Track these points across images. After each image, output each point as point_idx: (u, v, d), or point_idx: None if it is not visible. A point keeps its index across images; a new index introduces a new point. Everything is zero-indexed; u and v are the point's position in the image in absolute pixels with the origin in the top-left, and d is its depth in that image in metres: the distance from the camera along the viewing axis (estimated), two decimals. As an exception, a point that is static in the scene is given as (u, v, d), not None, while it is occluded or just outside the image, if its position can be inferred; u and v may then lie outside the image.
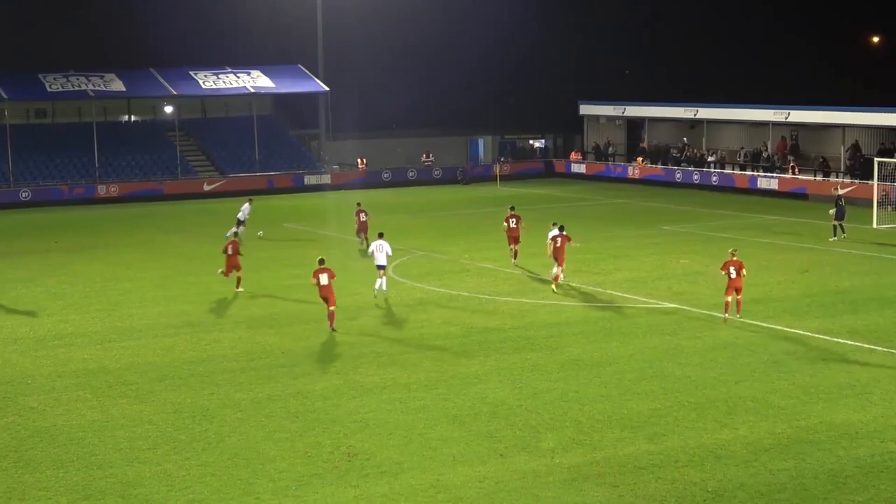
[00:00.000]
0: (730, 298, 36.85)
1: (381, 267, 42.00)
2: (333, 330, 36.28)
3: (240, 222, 56.35)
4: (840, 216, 53.60)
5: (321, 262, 36.88)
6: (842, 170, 74.01)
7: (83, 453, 25.16)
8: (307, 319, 38.38)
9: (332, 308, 36.57)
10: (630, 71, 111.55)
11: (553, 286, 42.71)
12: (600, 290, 42.85)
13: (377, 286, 41.95)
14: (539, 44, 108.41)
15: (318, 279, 36.37)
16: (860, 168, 72.57)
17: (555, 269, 43.17)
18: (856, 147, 75.24)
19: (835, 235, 53.26)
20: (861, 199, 64.32)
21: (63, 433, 26.65)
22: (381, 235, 43.26)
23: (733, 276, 36.66)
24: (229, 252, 43.35)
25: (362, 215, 54.12)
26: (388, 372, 31.48)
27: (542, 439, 25.42)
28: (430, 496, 22.29)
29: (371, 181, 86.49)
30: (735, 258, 37.06)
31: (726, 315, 36.83)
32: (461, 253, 51.24)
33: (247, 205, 57.70)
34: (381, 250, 42.11)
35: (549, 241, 43.71)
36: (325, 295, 36.41)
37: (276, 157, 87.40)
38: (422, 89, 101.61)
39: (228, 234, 49.46)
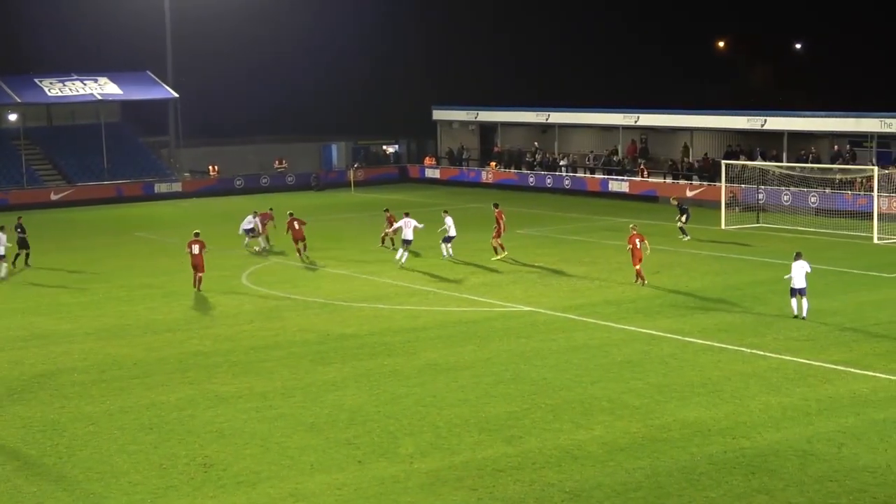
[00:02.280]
0: (638, 267, 42.06)
1: (407, 241, 49.01)
2: (199, 290, 42.95)
3: (248, 231, 55.30)
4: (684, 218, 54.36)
5: (196, 234, 43.45)
6: (680, 171, 75.28)
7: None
8: (159, 329, 37.81)
9: (199, 274, 43.47)
10: (483, 76, 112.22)
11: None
12: (456, 294, 42.96)
13: (399, 256, 48.95)
14: (392, 49, 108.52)
15: (191, 249, 43.15)
16: (692, 170, 74.17)
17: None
18: (685, 150, 76.86)
19: (685, 235, 54.14)
20: (709, 201, 65.59)
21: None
22: (407, 214, 50.26)
23: (638, 246, 42.38)
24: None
25: (295, 223, 52.22)
26: (243, 381, 31.13)
27: (400, 445, 25.35)
28: (288, 505, 22.10)
29: (223, 188, 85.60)
30: (636, 231, 42.02)
31: (642, 281, 42.55)
32: (316, 259, 50.89)
33: (249, 216, 55.98)
34: (408, 226, 49.00)
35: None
36: (196, 263, 43.13)
37: (126, 165, 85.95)
38: (274, 94, 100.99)
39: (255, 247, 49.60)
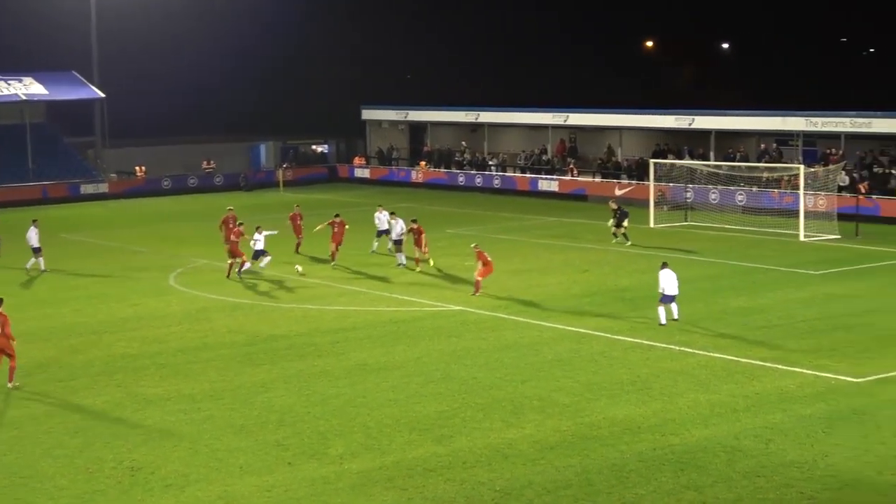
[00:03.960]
0: (481, 279, 41.49)
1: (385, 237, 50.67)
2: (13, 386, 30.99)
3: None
4: (620, 221, 54.22)
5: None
6: (609, 170, 75.69)
7: None
8: (84, 332, 37.40)
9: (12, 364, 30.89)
10: (412, 76, 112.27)
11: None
12: (386, 294, 42.87)
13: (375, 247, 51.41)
14: (320, 49, 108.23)
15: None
16: (620, 169, 74.67)
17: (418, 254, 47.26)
18: (609, 151, 77.36)
19: (616, 238, 54.02)
20: (638, 199, 65.94)
21: None
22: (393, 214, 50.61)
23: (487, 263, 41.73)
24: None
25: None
26: (171, 383, 30.87)
27: (330, 446, 25.26)
28: (217, 508, 21.93)
29: (150, 189, 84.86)
30: (478, 250, 42.16)
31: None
32: (245, 260, 50.49)
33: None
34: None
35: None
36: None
37: (51, 166, 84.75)
38: (201, 95, 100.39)
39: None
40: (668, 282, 35.94)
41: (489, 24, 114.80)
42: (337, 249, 49.36)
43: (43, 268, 48.86)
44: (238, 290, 44.28)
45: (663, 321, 35.89)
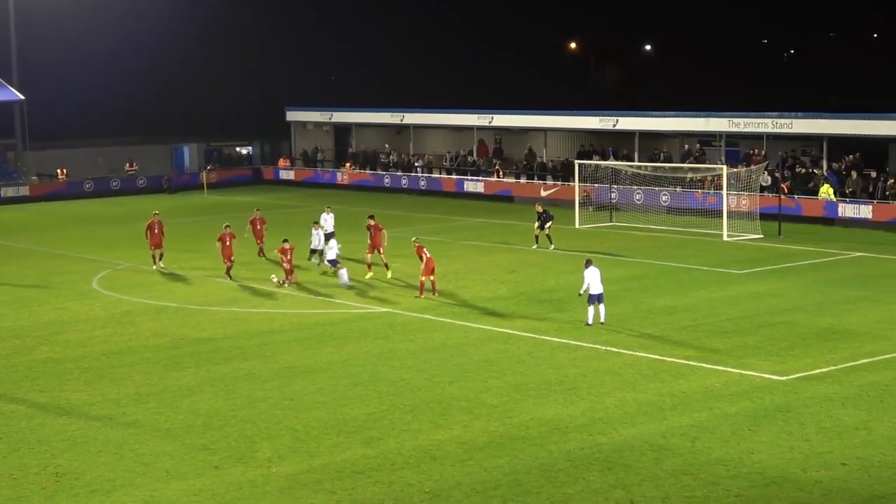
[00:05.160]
0: (424, 279, 41.36)
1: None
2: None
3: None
4: (543, 224, 54.10)
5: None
6: (534, 171, 75.98)
7: None
8: (6, 336, 36.90)
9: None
10: (336, 77, 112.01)
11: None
12: (312, 296, 42.70)
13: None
14: (243, 50, 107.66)
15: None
16: (545, 170, 75.02)
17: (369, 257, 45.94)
18: (531, 153, 77.70)
19: (537, 243, 53.79)
20: (563, 200, 66.24)
21: None
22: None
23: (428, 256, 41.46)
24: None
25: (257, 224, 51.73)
26: (95, 387, 30.55)
27: (257, 449, 25.12)
28: (143, 513, 21.72)
29: (72, 192, 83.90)
30: (418, 244, 41.90)
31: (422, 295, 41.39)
32: (170, 262, 50.08)
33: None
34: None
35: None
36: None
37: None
38: (123, 96, 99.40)
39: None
40: (594, 280, 36.02)
41: (415, 25, 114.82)
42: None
43: None
44: (162, 294, 43.89)
45: (591, 321, 35.99)
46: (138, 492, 22.74)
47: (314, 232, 50.11)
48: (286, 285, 44.15)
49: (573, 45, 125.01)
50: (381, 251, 45.74)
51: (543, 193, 69.96)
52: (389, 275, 45.39)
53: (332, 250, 45.36)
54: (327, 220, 51.39)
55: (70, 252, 55.88)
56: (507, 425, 26.30)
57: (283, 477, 23.35)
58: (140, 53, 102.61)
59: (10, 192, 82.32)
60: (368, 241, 46.18)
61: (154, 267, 48.93)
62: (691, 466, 23.35)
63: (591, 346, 33.71)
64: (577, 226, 60.14)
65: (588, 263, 36.47)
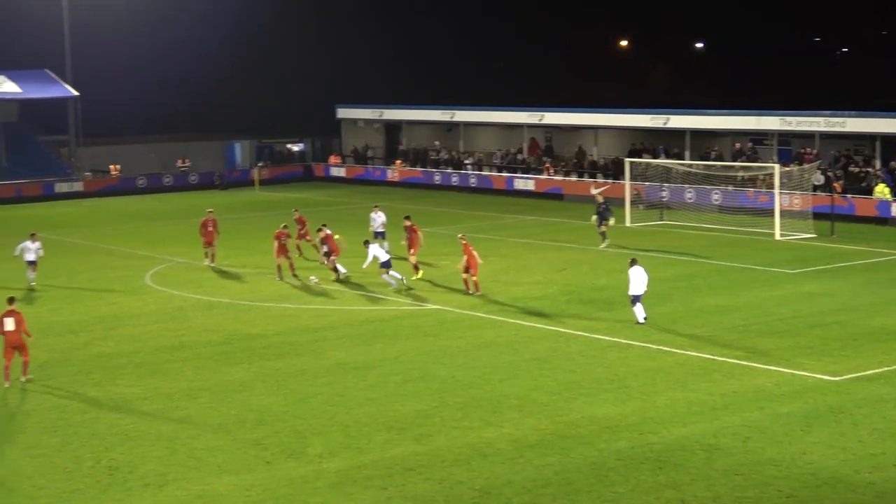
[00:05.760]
0: (466, 276, 41.27)
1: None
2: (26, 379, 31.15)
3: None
4: (602, 218, 53.88)
5: (10, 301, 31.73)
6: (585, 169, 75.85)
7: None
8: (62, 331, 37.22)
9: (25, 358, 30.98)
10: (387, 74, 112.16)
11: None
12: (363, 293, 42.82)
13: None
14: (296, 48, 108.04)
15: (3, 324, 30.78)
16: (596, 168, 74.86)
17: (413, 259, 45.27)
18: (581, 152, 77.56)
19: (605, 240, 53.58)
20: (613, 198, 65.99)
21: None
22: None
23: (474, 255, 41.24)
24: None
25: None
26: (148, 382, 30.80)
27: (309, 445, 25.24)
28: (196, 507, 21.89)
29: (125, 187, 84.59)
30: (465, 242, 41.61)
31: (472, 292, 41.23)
32: (221, 259, 50.35)
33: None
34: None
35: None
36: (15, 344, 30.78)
37: (25, 165, 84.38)
38: (176, 93, 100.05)
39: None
40: (638, 280, 35.89)
41: (466, 23, 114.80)
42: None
43: (32, 280, 45.62)
44: (215, 290, 44.16)
45: (640, 320, 35.92)
46: (190, 486, 22.92)
47: (373, 216, 50.69)
48: (327, 263, 44.62)
49: (624, 43, 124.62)
50: (413, 252, 45.52)
51: (593, 191, 69.66)
52: (416, 277, 44.95)
53: (381, 251, 44.15)
54: (376, 220, 51.42)
55: (123, 247, 56.35)
56: (557, 423, 26.28)
57: (333, 473, 23.45)
58: (193, 51, 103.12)
59: (63, 187, 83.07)
60: (404, 242, 46.38)
61: (205, 263, 49.16)
62: (743, 466, 23.26)
63: (642, 345, 33.63)
64: (627, 224, 59.93)
65: (633, 263, 36.33)
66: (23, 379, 30.72)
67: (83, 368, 32.40)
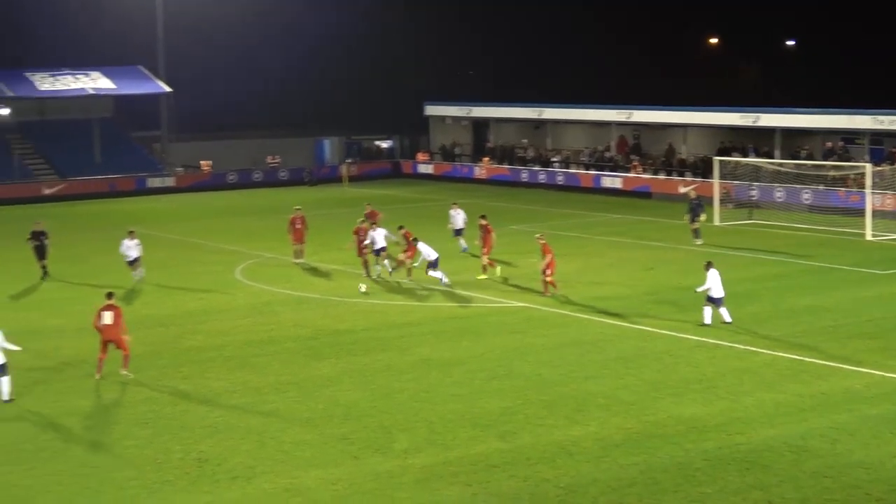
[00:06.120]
0: (549, 279, 40.77)
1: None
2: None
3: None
4: (695, 215, 53.50)
5: (109, 296, 31.81)
6: (673, 167, 75.39)
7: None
8: (152, 324, 37.72)
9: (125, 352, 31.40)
10: (475, 72, 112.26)
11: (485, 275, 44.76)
12: (449, 290, 42.92)
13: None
14: (384, 44, 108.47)
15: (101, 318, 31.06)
16: (685, 166, 74.34)
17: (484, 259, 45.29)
18: (671, 150, 77.03)
19: (698, 238, 53.23)
20: (702, 197, 65.49)
21: None
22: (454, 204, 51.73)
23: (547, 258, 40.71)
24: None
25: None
26: (237, 375, 31.14)
27: (395, 440, 25.37)
28: (283, 500, 22.11)
29: (216, 183, 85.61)
30: (543, 241, 41.14)
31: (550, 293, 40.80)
32: (310, 255, 50.74)
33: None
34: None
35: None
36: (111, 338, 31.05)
37: (118, 160, 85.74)
38: (266, 90, 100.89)
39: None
40: (717, 283, 35.58)
41: (554, 20, 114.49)
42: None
43: (139, 277, 45.63)
44: (303, 285, 44.52)
45: (708, 321, 35.55)
46: (278, 479, 23.13)
47: (452, 213, 50.80)
48: (404, 266, 44.56)
49: (714, 41, 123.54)
50: (486, 252, 45.31)
51: (682, 190, 69.38)
52: (482, 277, 44.81)
53: (429, 250, 43.61)
54: (455, 218, 51.48)
55: (213, 242, 57.02)
56: (643, 423, 26.20)
57: (418, 468, 23.55)
58: (284, 48, 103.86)
59: (155, 182, 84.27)
60: (478, 242, 46.22)
61: (294, 261, 49.44)
62: (831, 469, 23.04)
63: (729, 345, 33.40)
64: (716, 223, 59.50)
65: (709, 266, 36.01)
66: (122, 372, 31.15)
67: (173, 361, 32.85)
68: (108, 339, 30.96)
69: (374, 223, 46.55)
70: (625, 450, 24.38)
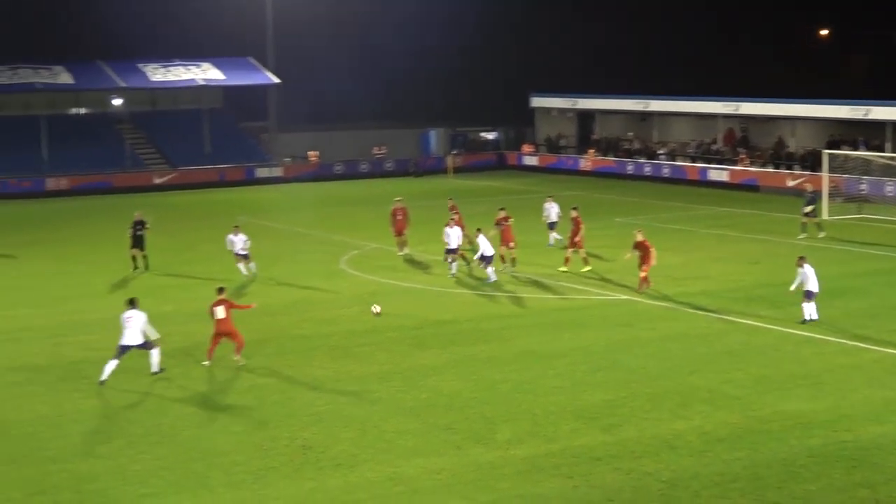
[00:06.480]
0: (645, 274, 40.21)
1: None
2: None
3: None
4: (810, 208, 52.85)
5: (220, 290, 32.46)
6: (781, 160, 74.47)
7: (36, 448, 25.05)
8: (258, 313, 37.95)
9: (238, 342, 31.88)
10: (581, 63, 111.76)
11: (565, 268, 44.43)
12: (553, 282, 42.90)
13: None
14: (490, 37, 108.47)
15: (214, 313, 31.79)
16: (793, 159, 73.41)
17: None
18: (779, 143, 76.09)
19: (804, 232, 52.76)
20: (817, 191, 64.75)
21: (15, 428, 26.53)
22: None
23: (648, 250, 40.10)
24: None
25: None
26: (341, 365, 31.43)
27: (497, 431, 25.44)
28: (386, 488, 22.30)
29: (323, 173, 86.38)
30: (641, 238, 40.40)
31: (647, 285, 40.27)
32: (415, 246, 50.96)
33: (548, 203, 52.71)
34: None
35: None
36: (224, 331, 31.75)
37: (227, 150, 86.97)
38: (373, 81, 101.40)
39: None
40: (814, 278, 35.06)
41: (660, 13, 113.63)
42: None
43: (251, 272, 45.06)
44: (407, 276, 44.79)
45: (807, 317, 35.05)
46: (381, 468, 23.33)
47: (546, 206, 50.97)
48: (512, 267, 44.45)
49: (823, 33, 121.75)
50: (574, 243, 44.92)
51: (790, 184, 68.58)
52: (563, 269, 44.47)
53: (486, 244, 42.92)
54: (549, 210, 51.30)
55: (319, 232, 57.57)
56: (748, 418, 26.00)
57: (521, 460, 23.61)
58: (390, 41, 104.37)
59: (263, 172, 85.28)
60: (569, 234, 45.75)
61: (398, 253, 49.65)
62: (941, 468, 22.71)
63: (837, 340, 32.98)
64: (825, 217, 58.68)
65: (803, 261, 35.44)
66: (235, 358, 31.65)
67: (279, 350, 33.24)
68: (222, 332, 31.54)
69: (454, 220, 46.14)
70: (728, 445, 24.22)
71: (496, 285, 42.08)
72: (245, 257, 45.14)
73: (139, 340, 30.28)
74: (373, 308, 35.87)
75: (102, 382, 29.68)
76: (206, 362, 31.51)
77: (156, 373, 30.42)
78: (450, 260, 44.45)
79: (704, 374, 29.74)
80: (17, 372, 31.37)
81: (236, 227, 46.06)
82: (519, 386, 28.97)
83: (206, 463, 23.81)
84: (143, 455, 24.38)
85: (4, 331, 36.65)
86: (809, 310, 35.15)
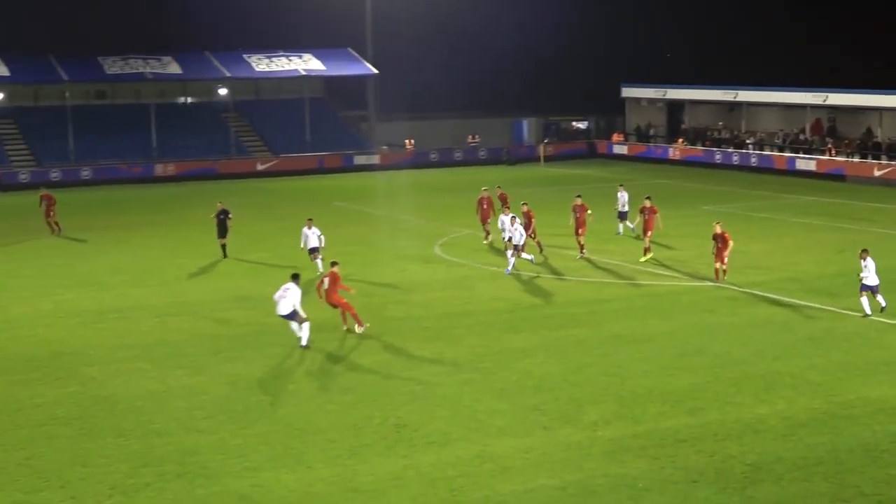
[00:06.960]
0: (720, 265, 39.99)
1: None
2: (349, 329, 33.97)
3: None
4: None
5: (333, 264, 34.42)
6: (868, 150, 74.06)
7: (142, 422, 25.93)
8: (357, 295, 38.51)
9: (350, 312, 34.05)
10: (671, 54, 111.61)
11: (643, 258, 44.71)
12: (640, 268, 43.41)
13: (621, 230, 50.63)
14: (581, 28, 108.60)
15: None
16: (880, 150, 72.89)
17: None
18: (868, 132, 75.55)
19: None
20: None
21: (123, 402, 27.50)
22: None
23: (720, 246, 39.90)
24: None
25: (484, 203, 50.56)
26: (435, 346, 32.10)
27: (585, 413, 25.95)
28: (476, 466, 22.85)
29: (418, 161, 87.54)
30: (721, 230, 39.91)
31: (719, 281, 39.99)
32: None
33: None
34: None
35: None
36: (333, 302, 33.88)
37: (327, 138, 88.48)
38: (468, 71, 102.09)
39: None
40: (871, 270, 34.85)
41: (750, 3, 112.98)
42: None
43: (320, 269, 42.73)
44: (499, 261, 45.28)
45: (869, 311, 34.92)
46: (472, 446, 23.93)
47: (619, 195, 51.10)
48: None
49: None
50: (647, 236, 45.34)
51: (876, 174, 68.32)
52: (644, 259, 44.83)
53: (518, 233, 42.99)
54: (621, 199, 51.42)
55: (415, 218, 58.45)
56: (830, 403, 26.33)
57: (607, 441, 24.10)
58: (484, 32, 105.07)
59: (361, 160, 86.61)
60: (642, 225, 45.99)
61: (485, 242, 49.75)
62: None
63: (922, 329, 33.21)
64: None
65: (865, 254, 35.13)
66: (358, 330, 33.33)
67: (375, 331, 33.86)
68: (329, 303, 33.66)
69: (505, 206, 46.77)
70: (811, 429, 24.57)
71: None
72: (315, 252, 43.41)
73: (287, 311, 31.91)
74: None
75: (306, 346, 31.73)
76: (344, 327, 33.66)
77: (304, 347, 31.96)
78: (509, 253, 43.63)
79: (788, 359, 30.13)
80: (127, 349, 32.52)
81: (310, 220, 44.22)
82: (607, 369, 29.52)
83: (303, 440, 24.50)
84: (244, 430, 25.15)
85: (116, 309, 37.92)
86: (870, 303, 34.84)
